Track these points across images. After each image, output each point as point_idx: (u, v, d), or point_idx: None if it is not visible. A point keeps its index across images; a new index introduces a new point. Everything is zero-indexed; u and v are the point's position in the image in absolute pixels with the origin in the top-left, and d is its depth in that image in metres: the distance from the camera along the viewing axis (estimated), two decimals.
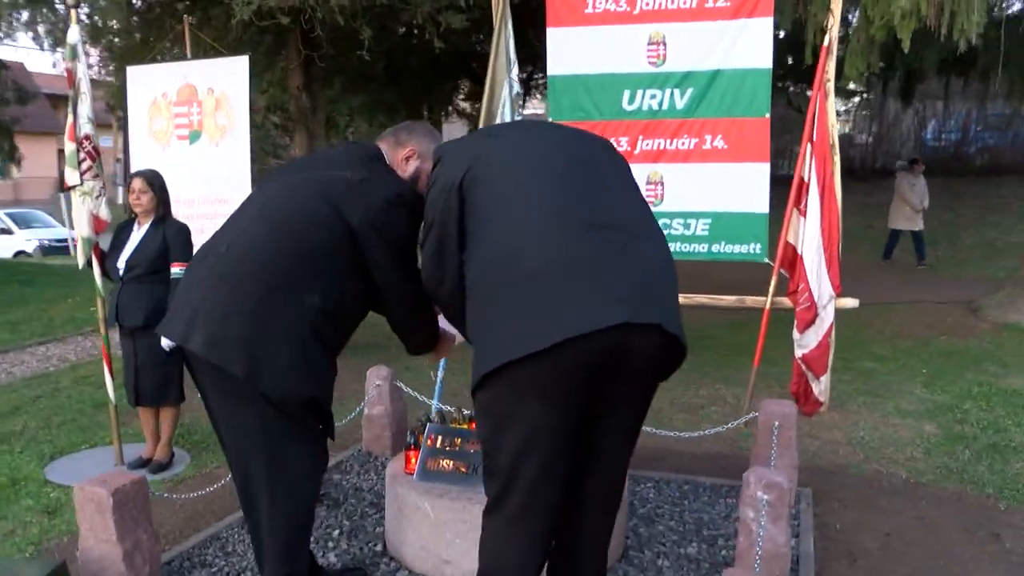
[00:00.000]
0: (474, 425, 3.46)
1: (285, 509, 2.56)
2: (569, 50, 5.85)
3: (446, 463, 3.16)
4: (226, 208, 5.73)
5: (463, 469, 3.15)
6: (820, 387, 5.50)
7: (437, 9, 5.78)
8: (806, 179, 5.35)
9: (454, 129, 12.61)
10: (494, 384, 2.13)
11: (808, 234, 5.32)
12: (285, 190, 2.62)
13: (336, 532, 3.45)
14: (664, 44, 5.70)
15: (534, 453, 2.16)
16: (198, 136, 5.69)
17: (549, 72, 5.90)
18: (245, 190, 5.67)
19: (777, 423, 3.76)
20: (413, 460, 3.20)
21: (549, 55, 5.89)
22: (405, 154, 2.77)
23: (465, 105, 14.47)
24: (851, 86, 14.59)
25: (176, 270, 4.41)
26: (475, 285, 2.24)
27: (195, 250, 4.48)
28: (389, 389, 4.43)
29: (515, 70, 5.95)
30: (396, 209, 2.57)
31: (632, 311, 2.04)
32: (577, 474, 2.31)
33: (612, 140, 5.96)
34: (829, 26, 5.24)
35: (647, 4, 5.72)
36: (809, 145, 5.39)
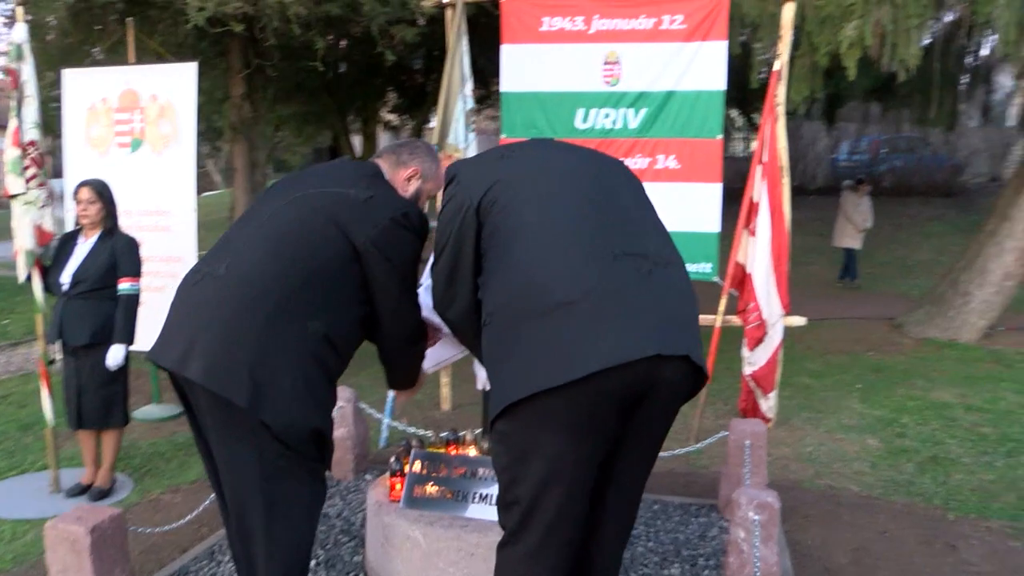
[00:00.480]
0: (452, 449, 3.40)
1: (284, 544, 2.44)
2: (523, 67, 5.84)
3: (432, 489, 3.08)
4: (167, 220, 5.51)
5: (449, 495, 3.08)
6: (768, 404, 5.63)
7: (389, 22, 5.69)
8: (756, 200, 5.49)
9: (382, 141, 12.42)
10: (520, 413, 2.09)
11: (758, 254, 5.45)
12: (288, 206, 2.50)
13: (312, 563, 3.32)
14: (619, 64, 5.76)
15: (558, 484, 2.13)
16: (139, 144, 5.44)
17: (502, 88, 5.88)
18: (189, 202, 5.45)
19: (748, 442, 3.81)
20: (398, 487, 3.11)
21: (503, 71, 5.87)
22: (408, 174, 2.69)
23: (391, 117, 14.35)
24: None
25: (124, 286, 4.20)
26: (497, 312, 2.19)
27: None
28: (352, 411, 4.31)
29: (468, 85, 5.91)
30: (401, 229, 2.50)
31: (663, 343, 2.04)
32: (596, 499, 2.29)
33: None
34: (779, 52, 5.39)
35: (603, 24, 5.77)
36: (760, 167, 5.53)
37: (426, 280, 2.73)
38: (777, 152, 5.47)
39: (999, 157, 17.22)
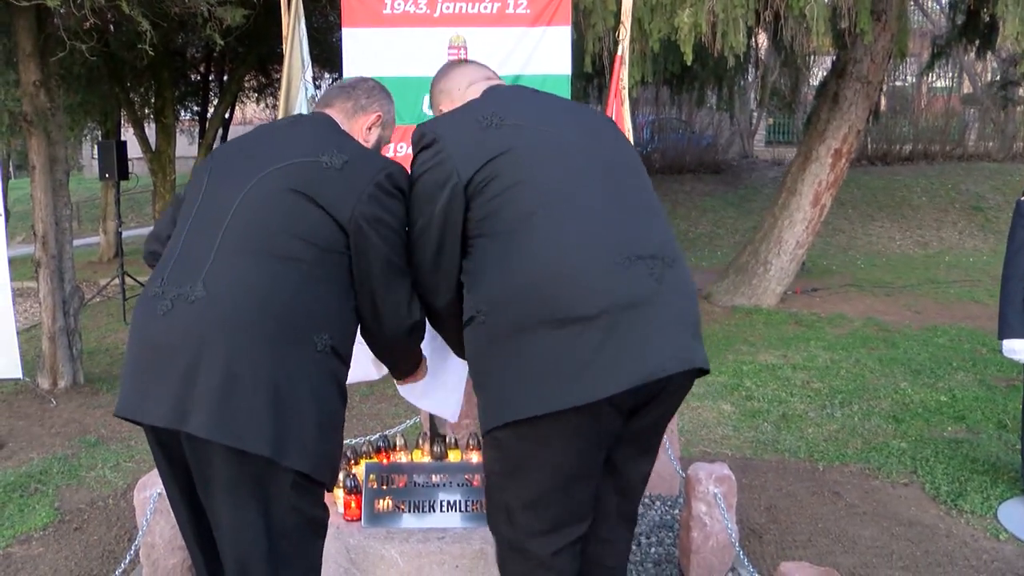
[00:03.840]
0: (384, 457, 3.20)
1: None
2: (366, 52, 5.58)
3: (392, 503, 2.87)
4: None
5: (402, 507, 2.89)
6: None
7: (212, 4, 5.21)
8: None
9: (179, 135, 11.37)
10: (525, 427, 1.99)
11: None
12: (254, 191, 2.09)
13: None
14: (465, 48, 5.66)
15: (558, 491, 2.08)
16: None
17: (345, 74, 5.58)
18: None
19: None
20: (353, 505, 2.87)
21: (345, 56, 5.57)
22: (369, 122, 2.33)
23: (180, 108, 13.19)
24: None
25: None
26: (494, 311, 2.02)
27: None
28: None
29: (309, 72, 5.55)
30: (388, 197, 2.13)
31: (680, 358, 2.00)
32: (604, 493, 2.25)
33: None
34: (621, 37, 5.55)
35: (448, 7, 5.64)
36: None
37: None
38: (625, 135, 5.64)
39: (747, 136, 18.98)
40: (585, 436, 2.02)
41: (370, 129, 2.34)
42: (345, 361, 2.15)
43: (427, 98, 5.67)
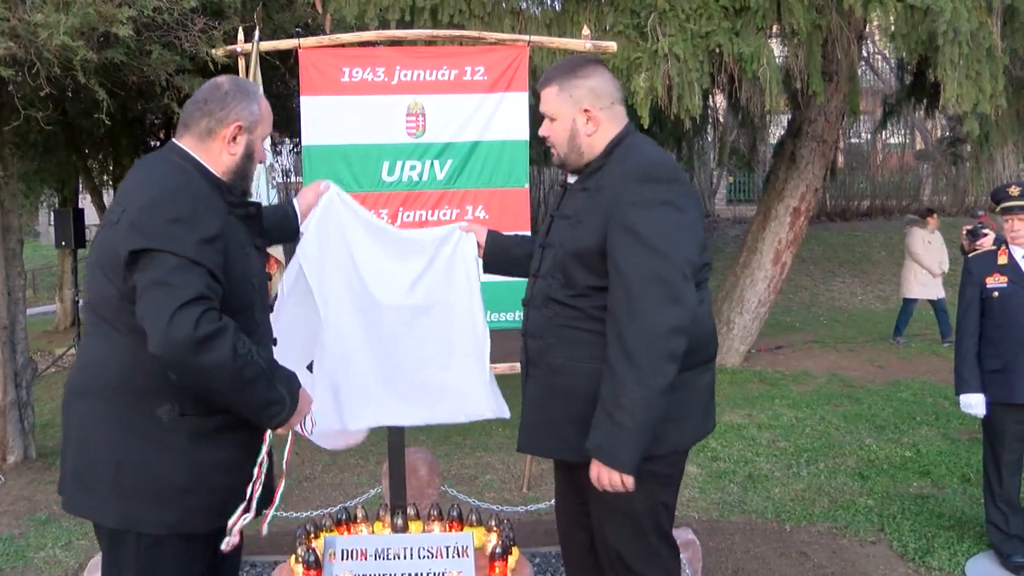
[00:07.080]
0: (344, 529, 3.12)
1: None
2: (325, 120, 5.59)
3: None
4: None
5: None
6: None
7: (177, 71, 5.22)
8: None
9: None
10: (681, 454, 2.44)
11: None
12: (88, 265, 2.14)
13: None
14: (423, 115, 5.70)
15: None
16: None
17: (304, 142, 5.57)
18: None
19: None
20: None
21: (304, 125, 5.58)
22: (230, 134, 2.11)
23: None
24: None
25: None
26: (696, 351, 2.32)
27: None
28: None
29: (267, 140, 5.56)
30: (156, 224, 1.91)
31: None
32: None
33: (372, 212, 5.86)
34: None
35: (405, 75, 5.70)
36: None
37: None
38: None
39: (708, 195, 19.28)
40: None
41: (234, 140, 2.13)
42: (206, 413, 2.05)
43: (386, 164, 5.71)
